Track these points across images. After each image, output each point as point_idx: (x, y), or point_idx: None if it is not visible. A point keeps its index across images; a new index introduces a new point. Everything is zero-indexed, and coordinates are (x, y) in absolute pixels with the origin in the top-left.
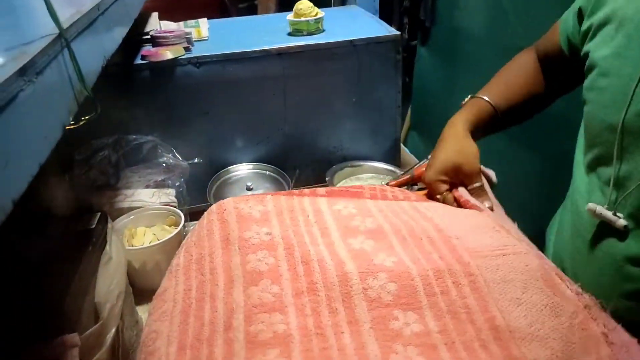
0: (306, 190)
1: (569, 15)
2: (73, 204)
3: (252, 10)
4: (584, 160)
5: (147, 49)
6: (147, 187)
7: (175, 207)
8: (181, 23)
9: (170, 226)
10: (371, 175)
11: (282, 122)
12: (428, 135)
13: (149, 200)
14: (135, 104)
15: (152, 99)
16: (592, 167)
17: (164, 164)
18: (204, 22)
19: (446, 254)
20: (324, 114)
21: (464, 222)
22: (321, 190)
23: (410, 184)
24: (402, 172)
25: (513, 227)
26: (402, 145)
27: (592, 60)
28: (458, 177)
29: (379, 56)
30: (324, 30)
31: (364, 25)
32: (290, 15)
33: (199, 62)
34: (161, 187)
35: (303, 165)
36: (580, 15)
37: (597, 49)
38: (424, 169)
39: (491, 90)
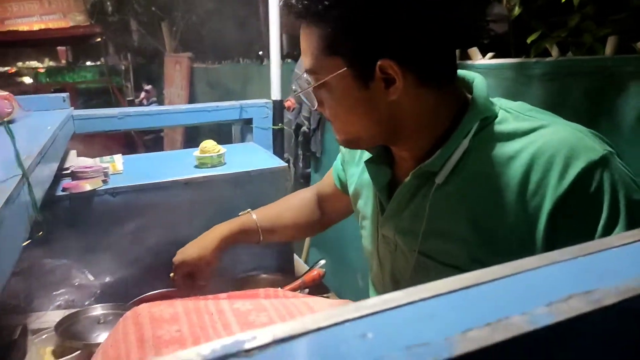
0: (209, 296)
1: (338, 163)
2: None
3: (157, 141)
4: (370, 276)
5: (67, 182)
6: (58, 307)
7: None
8: (97, 159)
9: None
10: None
11: None
12: (326, 249)
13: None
14: (53, 231)
15: (70, 226)
16: (373, 282)
17: (76, 283)
18: (118, 158)
19: None
20: None
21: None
22: (223, 295)
23: (302, 288)
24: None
25: None
26: (295, 255)
27: (357, 207)
28: (189, 267)
29: (272, 183)
30: (225, 163)
31: (259, 158)
32: (196, 152)
33: (114, 192)
34: (71, 307)
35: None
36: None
37: (356, 201)
38: (313, 273)
39: (263, 212)
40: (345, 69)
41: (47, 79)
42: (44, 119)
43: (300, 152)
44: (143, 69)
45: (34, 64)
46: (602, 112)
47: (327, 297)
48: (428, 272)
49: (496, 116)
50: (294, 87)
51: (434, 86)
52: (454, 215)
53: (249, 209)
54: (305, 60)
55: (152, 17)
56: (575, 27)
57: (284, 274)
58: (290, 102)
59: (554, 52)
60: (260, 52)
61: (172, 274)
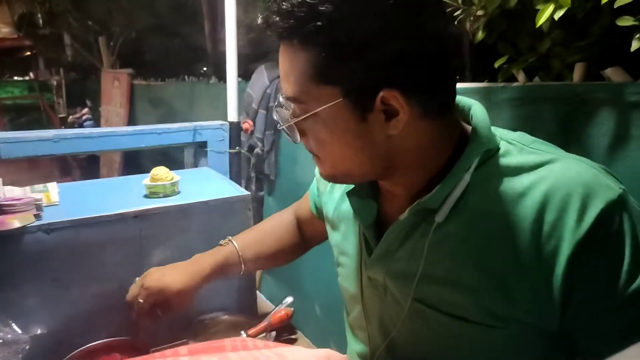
0: (168, 352)
1: (313, 188)
2: None
3: (92, 161)
4: (348, 319)
5: None
6: None
7: None
8: (27, 188)
9: None
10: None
11: None
12: (280, 278)
13: None
14: None
15: None
16: (352, 327)
17: (0, 339)
18: (53, 187)
19: None
20: None
21: None
22: (183, 349)
23: (268, 330)
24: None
25: None
26: (258, 292)
27: (333, 241)
28: (164, 298)
29: (232, 213)
30: (179, 192)
31: (217, 186)
32: (146, 180)
33: (49, 228)
34: None
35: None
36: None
37: (332, 234)
38: (281, 313)
39: (245, 241)
40: (340, 99)
41: None
42: None
43: (252, 174)
44: (77, 85)
45: None
46: (572, 138)
47: (295, 339)
48: (426, 321)
49: (498, 148)
50: (275, 118)
51: (435, 117)
52: (457, 259)
53: (229, 237)
54: (286, 86)
55: (88, 32)
56: (544, 52)
57: (248, 315)
58: (248, 124)
59: (521, 77)
60: (205, 69)
61: (139, 299)
